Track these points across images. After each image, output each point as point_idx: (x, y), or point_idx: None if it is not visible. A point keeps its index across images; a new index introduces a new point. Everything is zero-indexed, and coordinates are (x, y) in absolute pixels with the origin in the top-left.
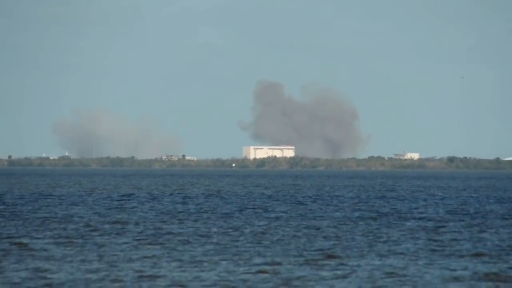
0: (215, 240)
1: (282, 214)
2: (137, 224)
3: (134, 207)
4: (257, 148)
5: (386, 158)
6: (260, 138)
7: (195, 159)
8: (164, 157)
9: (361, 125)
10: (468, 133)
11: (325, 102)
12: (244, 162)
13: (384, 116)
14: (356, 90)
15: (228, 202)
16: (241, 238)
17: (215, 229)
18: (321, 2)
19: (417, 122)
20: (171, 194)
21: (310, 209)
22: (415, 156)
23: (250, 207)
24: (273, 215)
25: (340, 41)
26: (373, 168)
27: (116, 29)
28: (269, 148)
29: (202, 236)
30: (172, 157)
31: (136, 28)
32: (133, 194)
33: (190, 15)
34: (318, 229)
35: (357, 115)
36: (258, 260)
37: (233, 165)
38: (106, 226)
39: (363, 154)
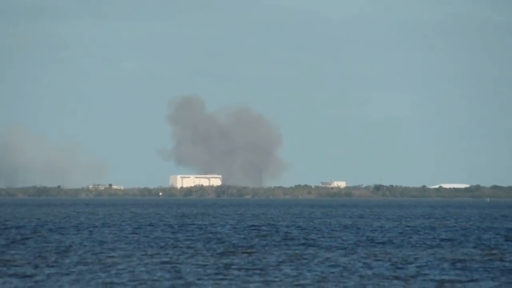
0: None
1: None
2: None
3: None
4: (184, 177)
5: (313, 187)
6: (183, 165)
7: (122, 188)
8: (90, 186)
9: (285, 152)
10: (394, 161)
11: (249, 128)
12: (171, 191)
13: (310, 144)
14: (282, 117)
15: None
16: None
17: None
18: (246, 34)
19: (343, 150)
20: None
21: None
22: (342, 184)
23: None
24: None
25: (267, 70)
26: (300, 197)
27: (35, 54)
28: (196, 177)
29: None
30: (99, 186)
31: (61, 54)
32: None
33: (113, 42)
34: None
35: (281, 142)
36: None
37: (160, 194)
38: None
39: (289, 182)
